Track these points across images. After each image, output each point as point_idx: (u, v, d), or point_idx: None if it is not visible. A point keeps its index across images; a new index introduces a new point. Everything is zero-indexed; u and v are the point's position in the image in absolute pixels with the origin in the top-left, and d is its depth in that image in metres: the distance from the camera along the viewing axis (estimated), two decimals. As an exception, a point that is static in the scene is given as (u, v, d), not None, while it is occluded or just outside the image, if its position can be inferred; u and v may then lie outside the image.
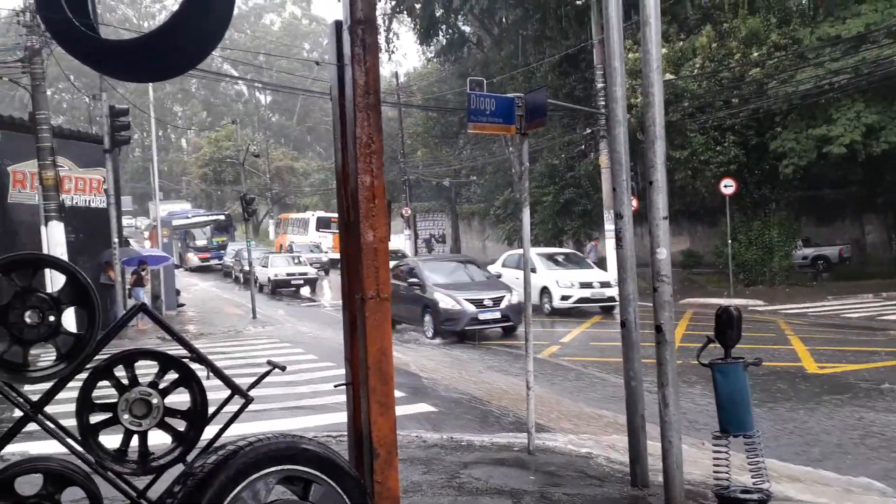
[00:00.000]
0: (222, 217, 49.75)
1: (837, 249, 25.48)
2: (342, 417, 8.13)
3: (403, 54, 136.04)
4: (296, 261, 34.45)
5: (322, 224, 46.89)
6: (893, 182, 24.03)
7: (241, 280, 34.85)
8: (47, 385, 3.55)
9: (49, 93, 21.87)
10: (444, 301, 16.72)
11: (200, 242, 48.37)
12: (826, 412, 9.08)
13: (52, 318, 3.43)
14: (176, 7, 3.61)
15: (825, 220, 27.22)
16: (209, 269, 45.92)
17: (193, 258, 47.42)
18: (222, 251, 44.70)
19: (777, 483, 5.81)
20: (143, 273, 22.03)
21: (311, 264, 35.29)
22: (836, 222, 27.09)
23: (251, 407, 3.80)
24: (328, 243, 42.91)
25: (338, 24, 4.30)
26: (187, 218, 47.78)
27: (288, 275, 32.54)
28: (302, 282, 32.63)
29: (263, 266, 33.29)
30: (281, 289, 32.29)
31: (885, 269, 24.92)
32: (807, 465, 7.01)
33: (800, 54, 23.80)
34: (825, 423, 8.57)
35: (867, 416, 8.83)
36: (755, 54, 24.53)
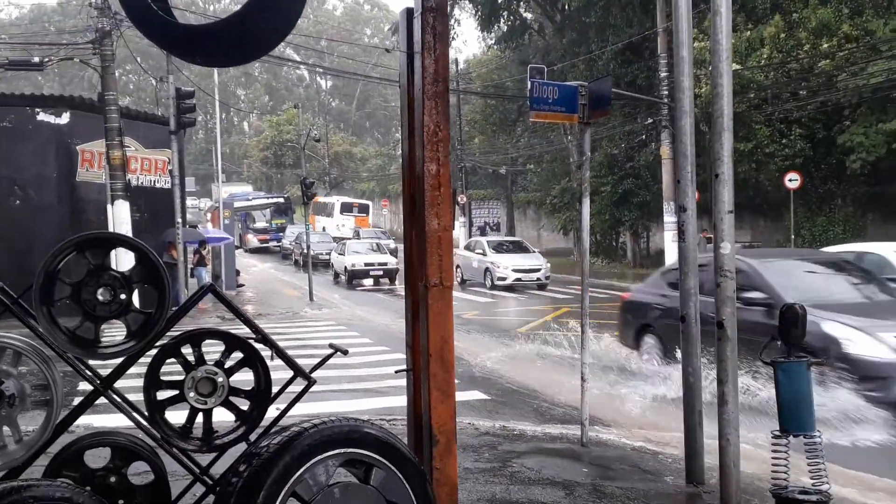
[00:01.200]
0: (282, 200, 50.63)
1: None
2: (396, 401, 8.24)
3: (464, 41, 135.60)
4: (375, 247, 30.77)
5: (345, 208, 48.74)
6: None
7: (301, 263, 33.59)
8: (115, 361, 3.64)
9: (117, 74, 22.36)
10: (856, 343, 7.87)
11: (260, 224, 49.44)
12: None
13: (123, 296, 3.50)
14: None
15: (893, 216, 26.44)
16: (267, 250, 46.67)
17: (253, 240, 48.30)
18: (281, 233, 45.43)
19: (837, 486, 5.69)
20: (203, 252, 22.48)
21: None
22: (904, 219, 26.32)
23: (306, 388, 3.84)
24: (351, 225, 44.50)
25: (409, 12, 4.30)
26: (248, 200, 48.80)
27: (366, 264, 28.86)
28: (381, 272, 28.84)
29: (340, 254, 30.51)
30: (358, 279, 29.00)
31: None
32: (868, 469, 6.84)
33: (872, 46, 23.09)
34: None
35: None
36: (825, 45, 23.88)
